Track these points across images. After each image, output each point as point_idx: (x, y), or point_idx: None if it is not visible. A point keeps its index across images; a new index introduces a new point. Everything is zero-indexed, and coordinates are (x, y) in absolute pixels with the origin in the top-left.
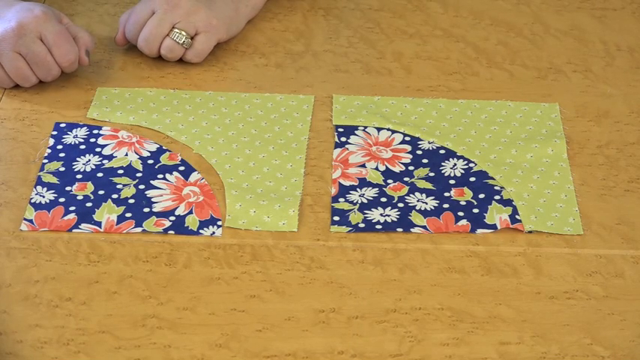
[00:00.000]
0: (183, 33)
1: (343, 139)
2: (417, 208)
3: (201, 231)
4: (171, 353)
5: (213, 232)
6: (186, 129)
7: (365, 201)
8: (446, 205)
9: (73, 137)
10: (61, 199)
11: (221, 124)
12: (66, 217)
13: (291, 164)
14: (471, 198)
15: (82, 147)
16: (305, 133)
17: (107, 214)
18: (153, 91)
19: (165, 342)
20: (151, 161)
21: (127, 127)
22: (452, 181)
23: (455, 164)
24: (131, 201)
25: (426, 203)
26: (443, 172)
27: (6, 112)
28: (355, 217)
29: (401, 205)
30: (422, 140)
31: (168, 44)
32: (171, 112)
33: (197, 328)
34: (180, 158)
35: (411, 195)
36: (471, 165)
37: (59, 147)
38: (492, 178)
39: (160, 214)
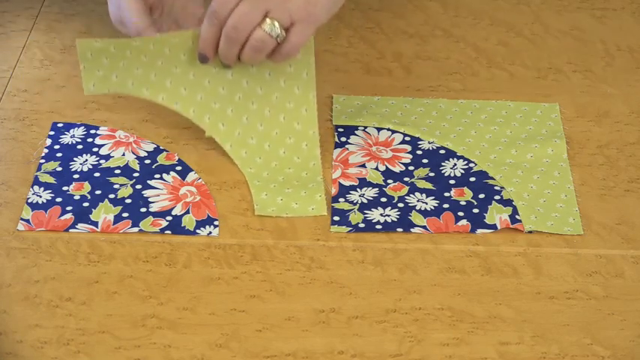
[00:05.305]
0: (276, 24)
1: (343, 139)
2: (417, 208)
3: (197, 231)
4: (171, 353)
5: (210, 232)
6: (190, 95)
7: (365, 201)
8: (446, 205)
9: (71, 137)
10: (58, 199)
11: (224, 83)
12: (63, 217)
13: (306, 143)
14: (471, 198)
15: (79, 147)
16: (312, 87)
17: (104, 214)
18: (138, 41)
19: (165, 342)
20: (147, 161)
21: (125, 127)
22: (452, 181)
23: (455, 164)
24: (128, 201)
25: (426, 203)
26: (443, 172)
27: (6, 112)
28: (355, 217)
29: (401, 205)
30: (422, 140)
31: (260, 35)
32: (167, 66)
33: (197, 328)
34: (177, 158)
35: (411, 195)
36: (471, 165)
37: (56, 147)
38: (492, 178)
39: (156, 214)
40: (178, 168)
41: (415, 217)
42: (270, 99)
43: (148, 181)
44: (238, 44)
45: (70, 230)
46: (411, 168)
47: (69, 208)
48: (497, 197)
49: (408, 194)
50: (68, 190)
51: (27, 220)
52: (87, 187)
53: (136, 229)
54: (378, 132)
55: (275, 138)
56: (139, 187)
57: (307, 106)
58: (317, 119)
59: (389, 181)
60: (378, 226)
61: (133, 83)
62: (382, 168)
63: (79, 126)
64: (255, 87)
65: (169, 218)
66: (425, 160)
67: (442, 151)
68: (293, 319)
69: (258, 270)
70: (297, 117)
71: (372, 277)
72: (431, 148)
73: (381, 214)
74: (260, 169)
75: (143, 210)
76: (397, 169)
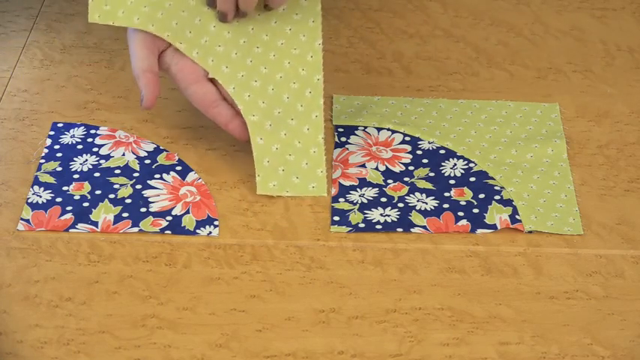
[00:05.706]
0: None
1: (343, 139)
2: (417, 208)
3: (197, 231)
4: (171, 353)
5: (210, 232)
6: (195, 37)
7: (365, 201)
8: (446, 205)
9: (70, 137)
10: (58, 199)
11: (230, 28)
12: (63, 217)
13: (310, 90)
14: (471, 198)
15: (79, 147)
16: (318, 35)
17: (104, 214)
18: None
19: (165, 342)
20: (147, 161)
21: (125, 127)
22: (452, 181)
23: (455, 164)
24: (128, 201)
25: (426, 203)
26: (443, 172)
27: (6, 112)
28: (355, 217)
29: (401, 205)
30: (422, 140)
31: None
32: (175, 10)
33: (197, 328)
34: (177, 158)
35: (411, 195)
36: (471, 165)
37: (56, 147)
38: (492, 178)
39: (156, 214)
40: (178, 168)
41: (415, 217)
42: (276, 44)
43: (148, 181)
44: None
45: (70, 230)
46: (411, 168)
47: (69, 208)
48: (497, 197)
49: (408, 194)
50: (68, 190)
51: (27, 220)
52: (87, 187)
53: (136, 229)
54: (378, 132)
55: (279, 82)
56: (139, 187)
57: (313, 52)
58: (322, 67)
59: (389, 181)
60: (378, 226)
61: (138, 18)
62: (382, 168)
63: (79, 126)
64: (261, 33)
65: (169, 218)
66: (425, 160)
67: (442, 151)
68: (293, 319)
69: (258, 270)
70: (303, 63)
71: (372, 277)
72: (431, 148)
73: (381, 214)
74: (263, 116)
75: (143, 210)
76: (397, 169)
